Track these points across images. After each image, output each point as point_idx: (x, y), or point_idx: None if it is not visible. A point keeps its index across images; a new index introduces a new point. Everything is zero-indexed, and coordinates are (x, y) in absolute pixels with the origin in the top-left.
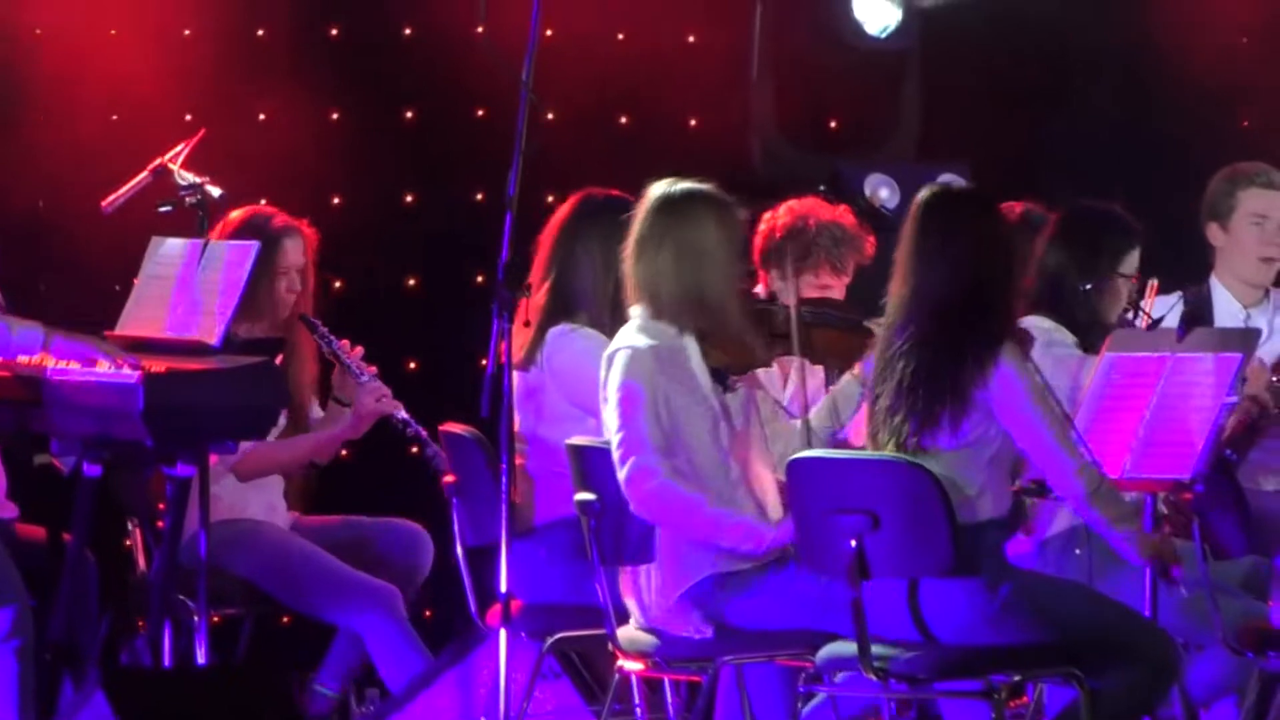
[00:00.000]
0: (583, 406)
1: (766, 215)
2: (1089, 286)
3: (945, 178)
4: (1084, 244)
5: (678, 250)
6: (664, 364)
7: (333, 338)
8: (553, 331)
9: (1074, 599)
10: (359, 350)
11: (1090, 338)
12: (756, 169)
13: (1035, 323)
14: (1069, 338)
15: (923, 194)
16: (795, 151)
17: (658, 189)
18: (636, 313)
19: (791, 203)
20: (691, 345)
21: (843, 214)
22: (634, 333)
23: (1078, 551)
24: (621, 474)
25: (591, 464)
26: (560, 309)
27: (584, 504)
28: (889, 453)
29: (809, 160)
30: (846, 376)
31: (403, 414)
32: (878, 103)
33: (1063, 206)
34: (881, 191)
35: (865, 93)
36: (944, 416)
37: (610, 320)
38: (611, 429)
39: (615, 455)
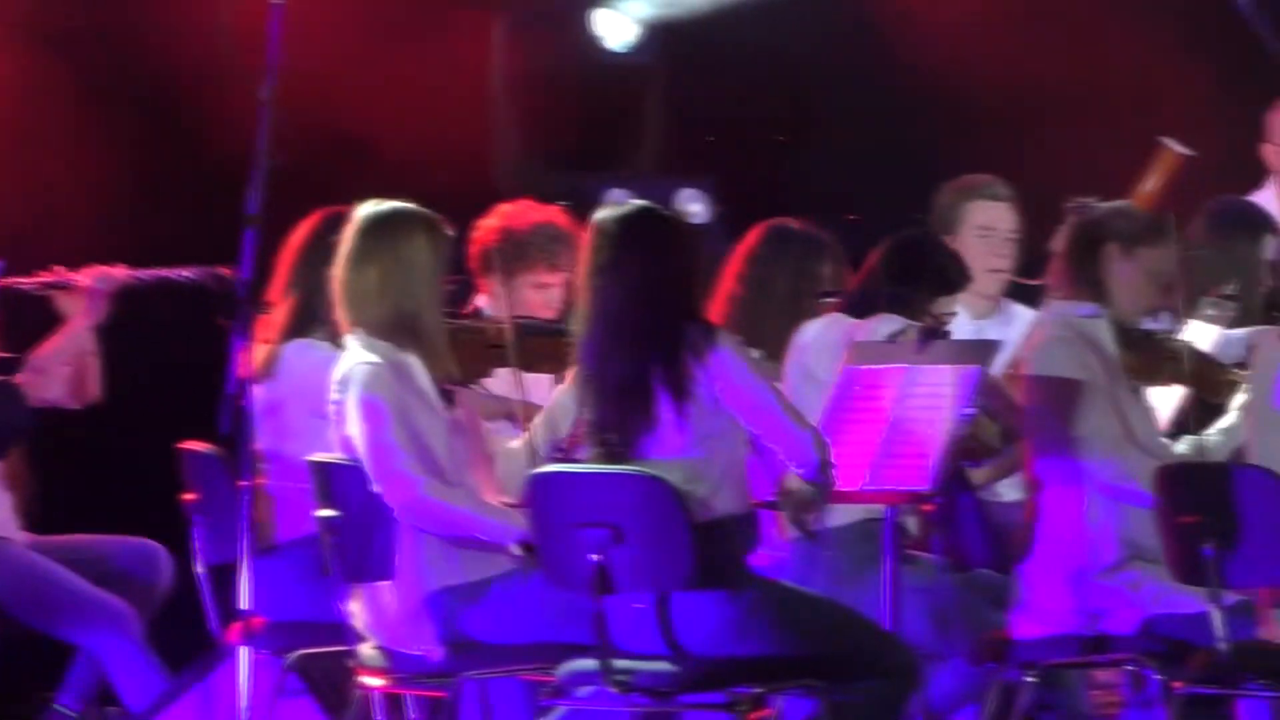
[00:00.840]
0: (326, 417)
1: (478, 225)
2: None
3: (686, 194)
4: (779, 260)
5: (384, 268)
6: (399, 378)
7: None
8: (290, 346)
9: (816, 609)
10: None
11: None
12: (498, 186)
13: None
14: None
15: (598, 214)
16: (537, 168)
17: (365, 209)
18: (353, 336)
19: (503, 208)
20: (415, 362)
21: (555, 213)
22: (361, 351)
23: (827, 553)
24: (379, 488)
25: (333, 480)
26: (300, 324)
27: (325, 520)
28: (607, 464)
29: (551, 177)
30: (560, 387)
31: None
32: (619, 119)
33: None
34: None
35: (607, 108)
36: (663, 417)
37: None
38: (360, 447)
39: (369, 471)
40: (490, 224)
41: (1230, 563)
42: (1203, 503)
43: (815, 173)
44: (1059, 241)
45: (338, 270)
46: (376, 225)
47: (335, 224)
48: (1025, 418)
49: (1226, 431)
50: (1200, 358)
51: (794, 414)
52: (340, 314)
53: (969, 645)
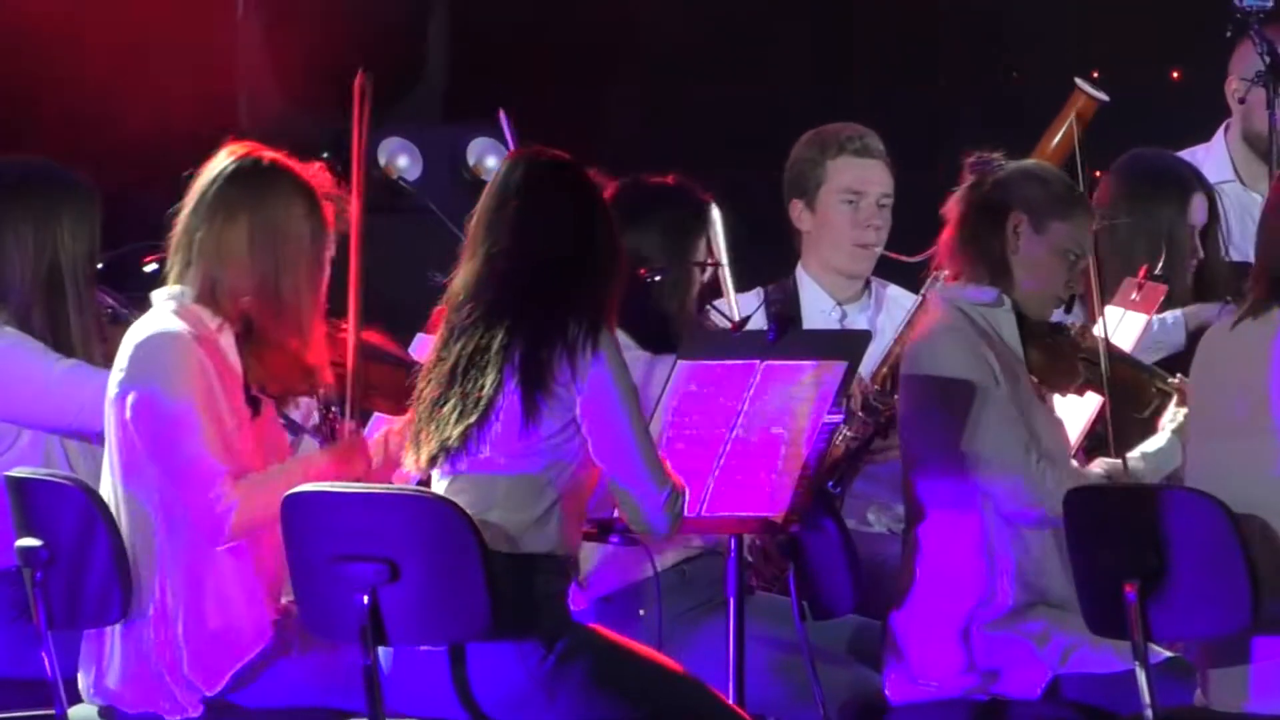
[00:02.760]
0: (16, 420)
1: None
2: (656, 278)
3: (478, 143)
4: (650, 226)
5: (252, 228)
6: (210, 355)
7: None
8: None
9: (640, 668)
10: None
11: (657, 337)
12: (243, 132)
13: None
14: (627, 339)
15: (503, 166)
16: (292, 110)
17: (228, 157)
18: (173, 293)
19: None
20: (229, 344)
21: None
22: (168, 316)
23: (642, 612)
24: (190, 507)
25: (37, 501)
26: None
27: (27, 552)
28: (428, 454)
29: (309, 121)
30: None
31: None
32: (395, 50)
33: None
34: (400, 159)
35: (379, 37)
36: (516, 406)
37: (42, 316)
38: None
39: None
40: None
41: (1158, 610)
42: (1124, 535)
43: (631, 117)
44: (952, 208)
45: (181, 219)
46: (243, 176)
47: (15, 179)
48: (904, 427)
49: (1155, 455)
50: (1124, 360)
51: (653, 465)
52: (174, 267)
53: (830, 711)
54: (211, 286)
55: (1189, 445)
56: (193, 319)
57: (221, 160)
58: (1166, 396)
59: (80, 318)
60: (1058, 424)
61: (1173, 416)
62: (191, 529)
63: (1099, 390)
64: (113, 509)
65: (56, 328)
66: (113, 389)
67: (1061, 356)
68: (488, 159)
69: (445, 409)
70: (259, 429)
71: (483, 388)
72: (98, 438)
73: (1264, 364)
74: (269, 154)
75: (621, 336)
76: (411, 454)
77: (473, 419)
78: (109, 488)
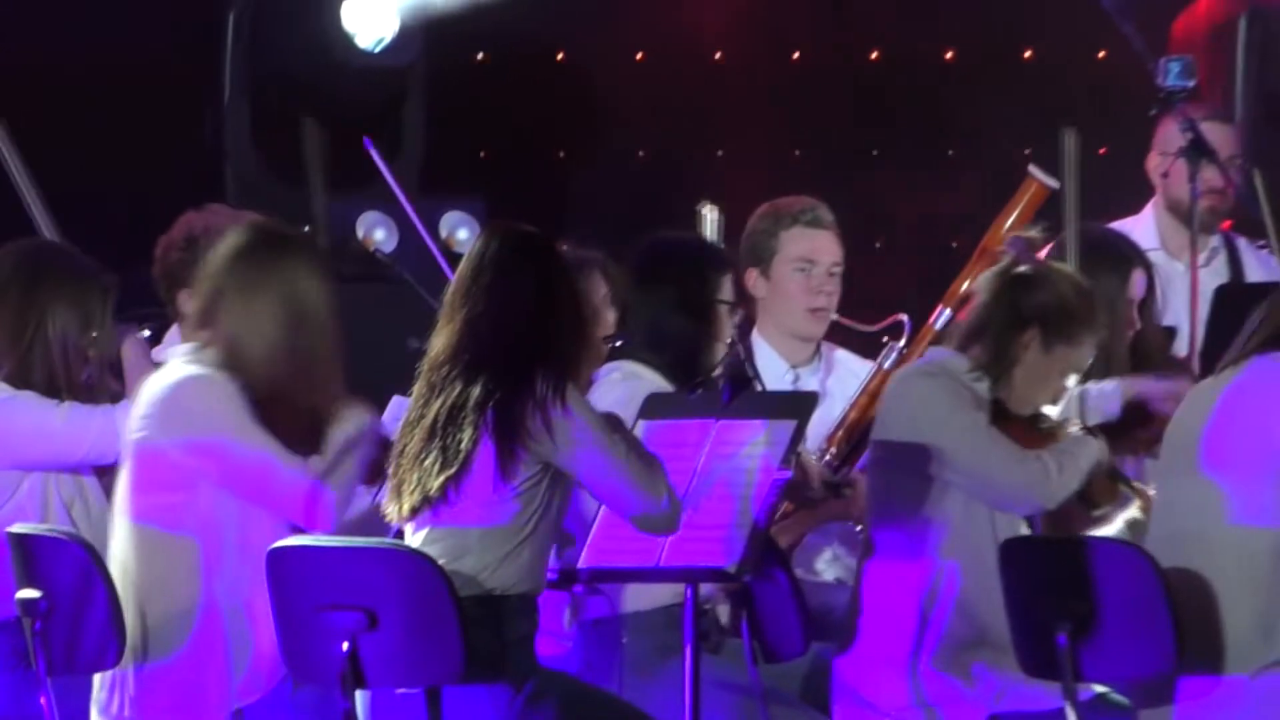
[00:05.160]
0: (29, 465)
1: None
2: (617, 342)
3: (453, 216)
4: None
5: (280, 299)
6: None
7: None
8: None
9: (604, 710)
10: None
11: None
12: (229, 203)
13: (632, 369)
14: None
15: (480, 239)
16: (275, 184)
17: (249, 230)
18: (192, 354)
19: (188, 215)
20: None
21: (247, 215)
22: (193, 368)
23: (625, 640)
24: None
25: (38, 555)
26: None
27: (28, 603)
28: (410, 505)
29: (291, 194)
30: None
31: None
32: (373, 128)
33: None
34: (377, 232)
35: (358, 116)
36: (491, 458)
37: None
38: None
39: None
40: (173, 233)
41: (1088, 653)
42: (1056, 583)
43: (600, 191)
44: (980, 286)
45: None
46: (263, 248)
47: None
48: (871, 464)
49: None
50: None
51: (647, 484)
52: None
53: None
54: (236, 351)
55: (1158, 490)
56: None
57: (243, 233)
58: (1123, 500)
59: (70, 380)
60: None
61: (1127, 517)
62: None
63: None
64: (127, 547)
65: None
66: (159, 435)
67: (1030, 438)
68: (459, 231)
69: (427, 462)
70: None
71: (461, 441)
72: (105, 471)
73: (1207, 414)
74: (286, 228)
75: (654, 376)
76: (394, 505)
77: (453, 470)
78: (123, 528)
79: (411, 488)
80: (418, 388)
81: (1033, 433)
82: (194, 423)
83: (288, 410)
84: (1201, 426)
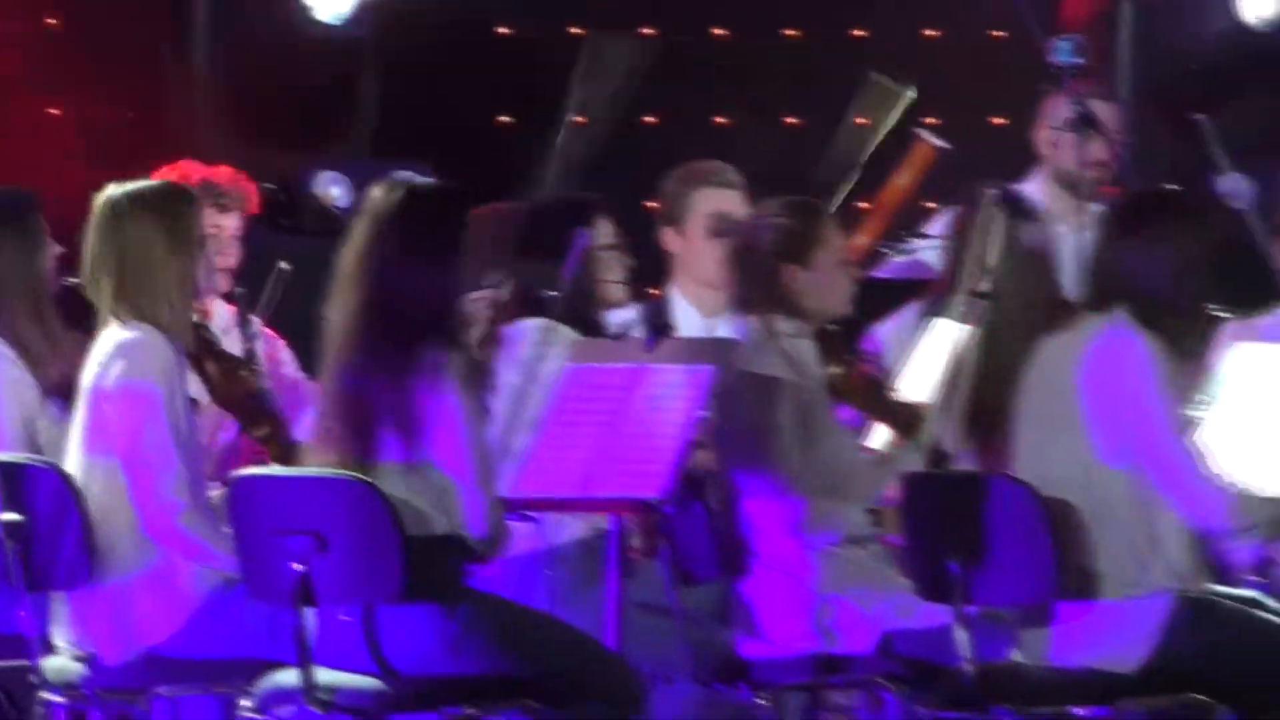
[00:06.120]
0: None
1: None
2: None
3: (326, 175)
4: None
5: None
6: (179, 360)
7: None
8: None
9: (536, 626)
10: None
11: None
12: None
13: (535, 326)
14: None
15: (379, 190)
16: (242, 148)
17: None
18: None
19: (162, 171)
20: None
21: (219, 170)
22: (122, 329)
23: (548, 572)
24: (134, 496)
25: (22, 482)
26: None
27: (11, 526)
28: (336, 469)
29: (257, 158)
30: None
31: None
32: (330, 95)
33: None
34: (332, 190)
35: (317, 85)
36: (392, 428)
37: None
38: (113, 441)
39: (127, 474)
40: None
41: (977, 580)
42: (951, 516)
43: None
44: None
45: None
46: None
47: None
48: (721, 422)
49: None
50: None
51: (484, 479)
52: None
53: (697, 665)
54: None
55: (1020, 436)
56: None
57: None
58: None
59: (40, 327)
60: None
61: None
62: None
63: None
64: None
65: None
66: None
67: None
68: (332, 189)
69: (345, 430)
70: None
71: (371, 414)
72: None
73: (1075, 365)
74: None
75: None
76: (321, 454)
77: (367, 440)
78: (76, 464)
79: (331, 453)
80: (328, 357)
81: (875, 404)
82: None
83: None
84: (1073, 378)
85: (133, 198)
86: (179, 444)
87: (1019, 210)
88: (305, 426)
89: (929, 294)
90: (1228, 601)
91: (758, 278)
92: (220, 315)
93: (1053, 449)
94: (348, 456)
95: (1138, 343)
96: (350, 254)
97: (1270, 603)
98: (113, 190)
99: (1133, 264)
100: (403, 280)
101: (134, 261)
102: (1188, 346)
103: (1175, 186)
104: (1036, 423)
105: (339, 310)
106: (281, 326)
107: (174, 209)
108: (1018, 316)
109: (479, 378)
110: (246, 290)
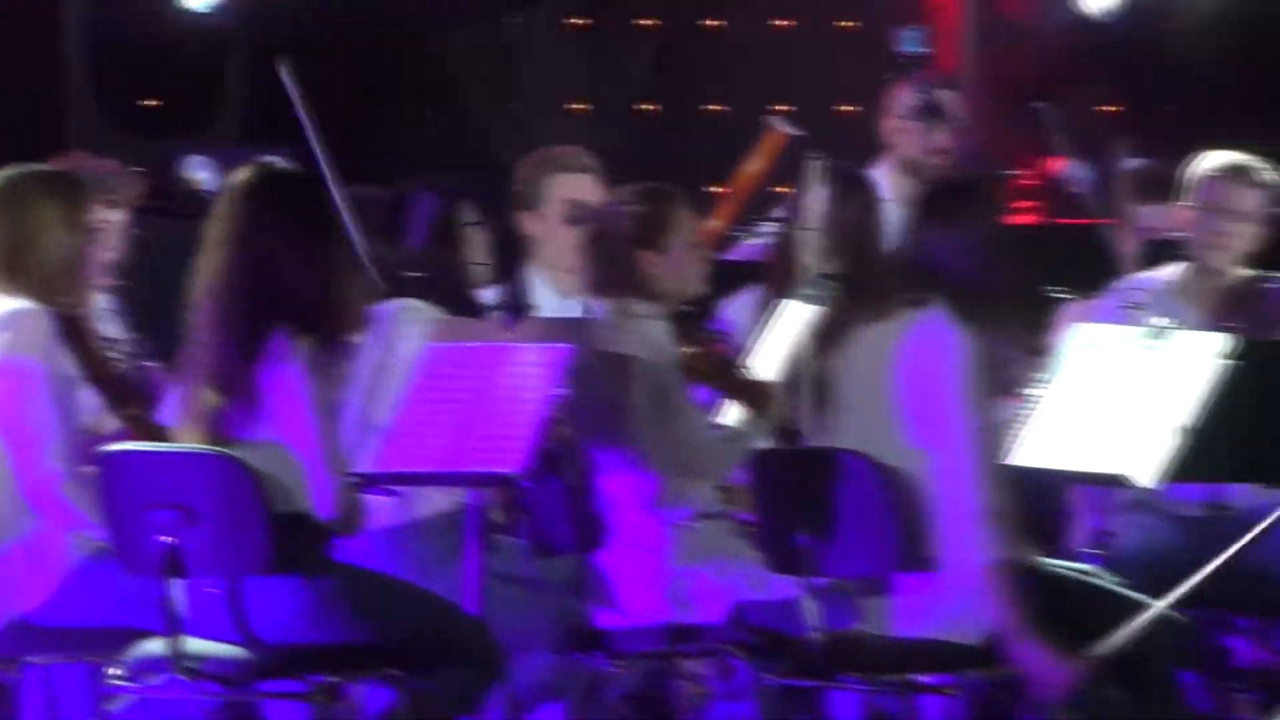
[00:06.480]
0: None
1: None
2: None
3: (194, 159)
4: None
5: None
6: (57, 334)
7: None
8: None
9: (397, 596)
10: None
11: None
12: (71, 153)
13: (400, 306)
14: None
15: (238, 174)
16: (114, 133)
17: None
18: None
19: (55, 160)
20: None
21: (107, 164)
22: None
23: (410, 545)
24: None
25: None
26: None
27: None
28: (202, 444)
29: (129, 142)
30: None
31: None
32: (200, 82)
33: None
34: (200, 174)
35: (187, 71)
36: (242, 406)
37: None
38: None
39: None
40: None
41: (825, 553)
42: (800, 490)
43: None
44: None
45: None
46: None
47: None
48: (578, 400)
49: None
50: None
51: (333, 461)
52: None
53: (555, 635)
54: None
55: (842, 421)
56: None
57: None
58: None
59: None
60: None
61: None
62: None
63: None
64: None
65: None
66: None
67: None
68: (199, 173)
69: (201, 406)
70: None
71: (225, 390)
72: None
73: (891, 358)
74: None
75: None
76: (188, 431)
77: (223, 415)
78: None
79: (194, 427)
80: (191, 327)
81: (727, 382)
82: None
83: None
84: (889, 371)
85: (33, 177)
86: (60, 415)
87: (844, 182)
88: (169, 410)
89: (768, 274)
90: (1062, 572)
91: (613, 263)
92: (95, 301)
93: (871, 435)
94: (207, 432)
95: (950, 336)
96: (210, 235)
97: (1104, 576)
98: (12, 170)
99: (941, 254)
100: (257, 262)
101: (27, 237)
102: (1012, 331)
103: (976, 173)
104: (855, 410)
105: (199, 289)
106: (153, 307)
107: (72, 194)
108: (847, 294)
109: (335, 359)
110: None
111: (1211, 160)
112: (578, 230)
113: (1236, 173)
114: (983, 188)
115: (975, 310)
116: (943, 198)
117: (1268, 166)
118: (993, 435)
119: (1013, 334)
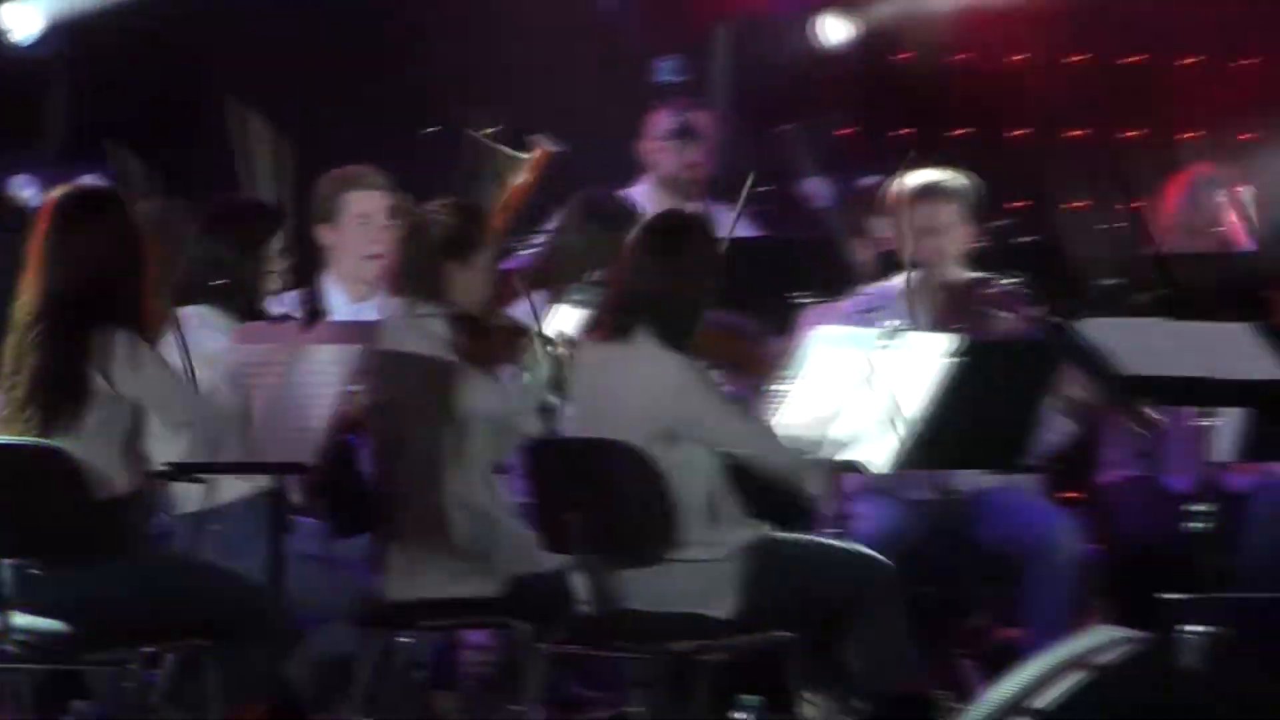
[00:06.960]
0: None
1: None
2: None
3: (20, 178)
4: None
5: None
6: None
7: None
8: None
9: (204, 576)
10: None
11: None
12: None
13: (196, 312)
14: (226, 322)
15: (54, 193)
16: None
17: None
18: None
19: None
20: None
21: None
22: None
23: (216, 528)
24: None
25: None
26: None
27: None
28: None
29: None
30: None
31: None
32: (24, 107)
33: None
34: (25, 191)
35: (12, 97)
36: (69, 410)
37: None
38: None
39: None
40: None
41: (594, 532)
42: (571, 476)
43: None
44: (397, 245)
45: None
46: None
47: None
48: (369, 394)
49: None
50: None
51: (143, 446)
52: None
53: (350, 609)
54: None
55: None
56: None
57: None
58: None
59: None
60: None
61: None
62: None
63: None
64: None
65: None
66: None
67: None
68: (24, 191)
69: (28, 412)
70: None
71: (51, 398)
72: None
73: (618, 384)
74: None
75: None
76: (14, 427)
77: (47, 419)
78: None
79: (20, 431)
80: (10, 343)
81: (495, 346)
82: None
83: None
84: (616, 395)
85: None
86: None
87: (599, 212)
88: None
89: (537, 281)
90: (792, 542)
91: (419, 267)
92: None
93: (627, 433)
94: (32, 425)
95: (670, 363)
96: (31, 248)
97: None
98: None
99: (648, 288)
100: (71, 270)
101: None
102: (723, 356)
103: (684, 211)
104: (594, 420)
105: (24, 296)
106: None
107: None
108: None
109: (146, 355)
110: None
111: (906, 182)
112: (390, 232)
113: (928, 191)
114: (698, 223)
115: (683, 337)
116: (660, 231)
117: (958, 174)
118: (735, 429)
119: (723, 359)
